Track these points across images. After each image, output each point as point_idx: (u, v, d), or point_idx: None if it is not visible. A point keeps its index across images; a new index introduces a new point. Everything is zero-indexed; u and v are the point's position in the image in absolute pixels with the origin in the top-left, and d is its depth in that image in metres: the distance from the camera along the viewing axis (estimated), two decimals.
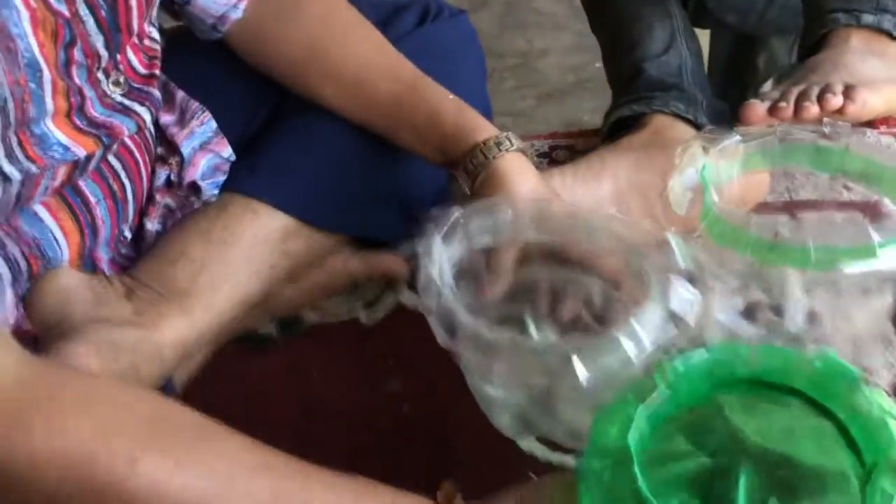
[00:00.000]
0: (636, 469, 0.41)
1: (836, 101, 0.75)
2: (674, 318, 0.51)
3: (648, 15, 0.99)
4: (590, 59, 2.41)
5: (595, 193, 0.73)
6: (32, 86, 0.53)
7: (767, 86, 0.96)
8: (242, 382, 0.68)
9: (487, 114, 0.87)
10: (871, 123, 0.82)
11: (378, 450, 0.62)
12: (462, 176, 0.67)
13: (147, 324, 0.60)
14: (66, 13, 0.54)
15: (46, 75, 0.54)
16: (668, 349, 0.50)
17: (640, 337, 0.50)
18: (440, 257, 0.56)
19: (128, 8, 0.60)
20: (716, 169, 0.60)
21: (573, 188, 0.73)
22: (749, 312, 0.63)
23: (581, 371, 0.50)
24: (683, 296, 0.52)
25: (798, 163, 0.64)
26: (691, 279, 0.54)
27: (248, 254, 0.66)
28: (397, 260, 0.75)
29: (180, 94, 0.70)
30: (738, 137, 0.62)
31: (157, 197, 0.69)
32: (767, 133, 0.63)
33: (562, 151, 0.92)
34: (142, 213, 0.69)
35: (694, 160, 0.60)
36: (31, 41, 0.52)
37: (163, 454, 0.43)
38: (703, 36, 1.51)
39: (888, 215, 0.63)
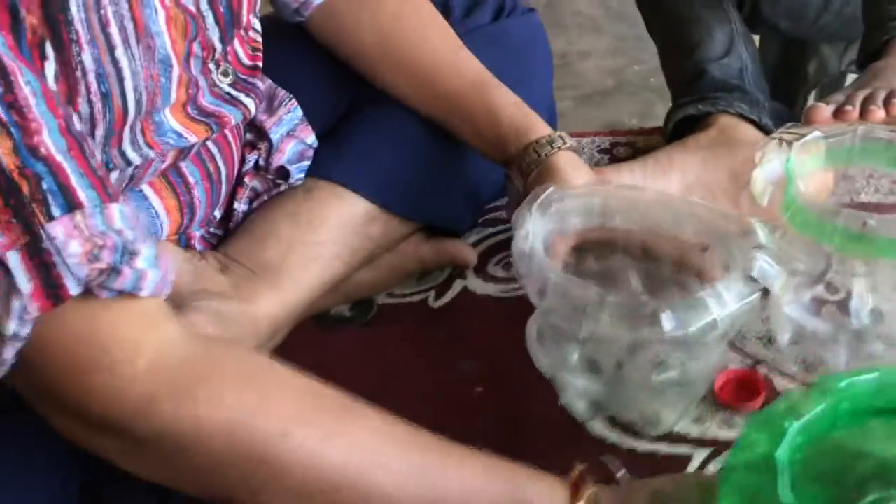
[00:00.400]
0: (783, 484, 0.40)
1: None
2: (757, 287, 0.54)
3: (708, 17, 1.01)
4: (628, 62, 2.43)
5: (664, 187, 0.76)
6: (163, 80, 0.56)
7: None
8: (320, 359, 0.70)
9: (552, 109, 0.90)
10: None
11: (451, 429, 0.65)
12: (516, 174, 0.70)
13: (244, 297, 0.63)
14: (193, 9, 0.57)
15: (175, 70, 0.57)
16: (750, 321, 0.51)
17: (725, 300, 0.53)
18: (534, 226, 0.58)
19: (240, 2, 0.62)
20: (799, 162, 0.62)
21: (642, 181, 0.76)
22: (815, 308, 0.65)
23: (668, 324, 0.52)
24: (767, 269, 0.55)
25: (877, 161, 0.66)
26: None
27: (333, 236, 0.69)
28: (465, 248, 0.78)
29: (268, 82, 0.73)
30: (820, 133, 0.64)
31: (246, 180, 0.72)
32: (848, 130, 0.65)
33: (623, 148, 0.94)
34: (231, 195, 0.71)
35: (778, 153, 0.62)
36: (165, 38, 0.55)
37: (312, 428, 0.46)
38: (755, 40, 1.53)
39: None
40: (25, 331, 0.43)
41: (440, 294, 0.78)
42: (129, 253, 0.45)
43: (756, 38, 1.48)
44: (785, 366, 0.66)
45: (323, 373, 0.69)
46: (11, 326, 0.43)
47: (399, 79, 0.75)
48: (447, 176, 0.79)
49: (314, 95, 0.76)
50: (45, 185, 0.43)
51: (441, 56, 0.74)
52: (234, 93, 0.65)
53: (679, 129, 0.86)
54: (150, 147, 0.58)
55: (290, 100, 0.73)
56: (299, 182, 0.72)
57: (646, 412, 0.62)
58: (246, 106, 0.66)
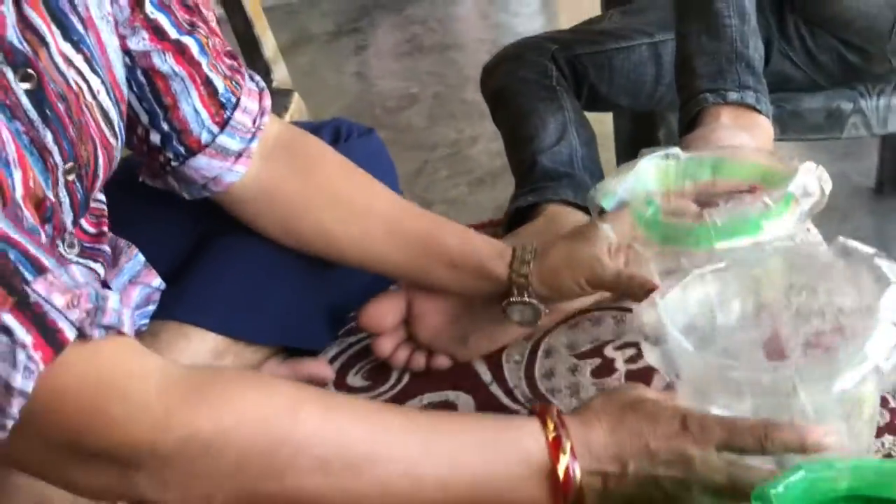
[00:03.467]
0: None
1: None
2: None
3: (542, 109, 1.08)
4: None
5: None
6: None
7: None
8: None
9: None
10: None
11: None
12: (518, 284, 0.73)
13: None
14: (52, 196, 0.59)
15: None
16: None
17: (869, 359, 0.52)
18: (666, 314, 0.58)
19: (95, 183, 0.65)
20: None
21: None
22: None
23: (807, 399, 0.52)
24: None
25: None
26: None
27: None
28: (321, 365, 0.81)
29: (108, 236, 0.76)
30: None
31: None
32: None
33: None
34: None
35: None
36: (27, 213, 0.56)
37: (316, 403, 0.53)
38: (608, 117, 1.63)
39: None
40: (30, 385, 0.46)
41: None
42: (101, 298, 0.49)
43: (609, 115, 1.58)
44: None
45: None
46: (18, 380, 0.46)
47: (355, 231, 0.77)
48: (302, 297, 0.82)
49: (157, 236, 0.78)
50: (12, 257, 0.47)
51: (394, 203, 0.78)
52: (81, 261, 0.67)
53: (516, 220, 0.91)
54: None
55: (129, 247, 0.76)
56: (143, 327, 0.74)
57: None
58: (95, 271, 0.69)
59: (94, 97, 0.63)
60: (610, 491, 0.55)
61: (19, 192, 0.53)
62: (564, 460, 0.54)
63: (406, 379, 0.81)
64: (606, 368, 0.77)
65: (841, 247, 0.61)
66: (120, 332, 0.50)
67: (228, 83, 0.73)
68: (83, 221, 0.69)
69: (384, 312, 0.79)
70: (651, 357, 0.57)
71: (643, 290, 0.69)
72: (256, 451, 0.50)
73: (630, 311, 0.83)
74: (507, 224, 0.92)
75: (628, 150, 1.55)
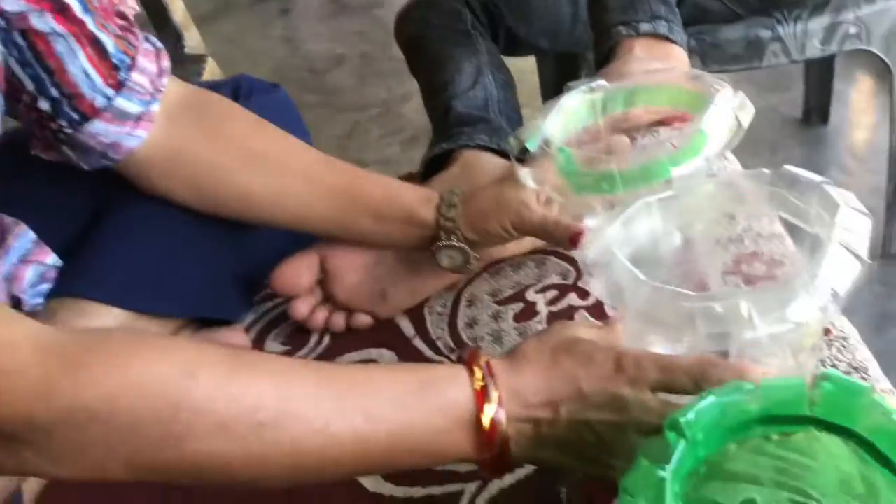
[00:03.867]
0: None
1: None
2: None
3: (457, 54, 1.05)
4: None
5: None
6: None
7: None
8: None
9: None
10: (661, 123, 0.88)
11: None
12: (446, 228, 0.71)
13: None
14: None
15: None
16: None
17: (824, 287, 0.49)
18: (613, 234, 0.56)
19: None
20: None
21: None
22: None
23: (762, 329, 0.49)
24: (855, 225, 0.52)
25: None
26: None
27: None
28: (235, 334, 0.78)
29: None
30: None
31: None
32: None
33: None
34: None
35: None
36: None
37: (217, 366, 0.48)
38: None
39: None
40: None
41: None
42: None
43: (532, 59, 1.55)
44: None
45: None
46: None
47: (274, 188, 0.73)
48: (211, 266, 0.78)
49: (51, 211, 0.74)
50: None
51: (312, 157, 0.75)
52: None
53: (434, 167, 0.88)
54: None
55: (17, 225, 0.71)
56: (39, 307, 0.70)
57: None
58: None
59: None
60: (542, 437, 0.52)
61: None
62: (490, 409, 0.51)
63: (326, 341, 0.78)
64: (528, 312, 0.76)
65: (787, 175, 0.59)
66: None
67: (120, 43, 0.68)
68: None
69: (297, 274, 0.76)
70: (596, 287, 0.54)
71: (568, 237, 0.68)
72: (150, 416, 0.46)
73: (550, 254, 0.82)
74: (422, 173, 0.89)
75: (554, 93, 1.52)
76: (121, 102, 0.69)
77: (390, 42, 2.82)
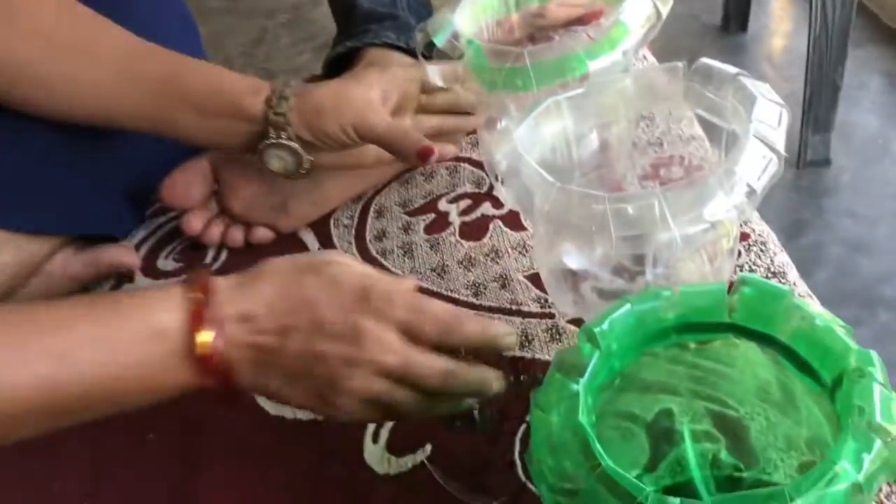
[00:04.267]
0: (598, 450, 0.37)
1: None
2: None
3: None
4: None
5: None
6: None
7: None
8: None
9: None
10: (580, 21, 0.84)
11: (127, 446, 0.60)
12: (275, 124, 0.63)
13: None
14: None
15: None
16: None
17: (741, 183, 0.47)
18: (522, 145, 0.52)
19: None
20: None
21: None
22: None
23: (676, 230, 0.46)
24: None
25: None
26: None
27: None
28: (123, 251, 0.72)
29: None
30: None
31: None
32: None
33: None
34: None
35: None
36: None
37: None
38: None
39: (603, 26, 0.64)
40: None
41: None
42: None
43: None
44: (459, 293, 0.65)
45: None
46: None
47: (84, 81, 0.65)
48: (91, 178, 0.71)
49: None
50: None
51: (130, 45, 0.66)
52: None
53: (336, 67, 0.82)
54: None
55: None
56: None
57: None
58: None
59: None
60: (269, 365, 0.46)
61: None
62: (205, 335, 0.45)
63: (224, 257, 0.73)
64: (441, 223, 0.72)
65: (703, 68, 0.55)
66: None
67: None
68: None
69: (188, 184, 0.70)
70: (504, 192, 0.51)
71: (416, 151, 0.63)
72: None
73: (464, 160, 0.77)
74: (325, 75, 0.82)
75: None
76: None
77: None
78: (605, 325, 0.43)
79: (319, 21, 2.27)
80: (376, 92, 0.64)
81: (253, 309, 0.46)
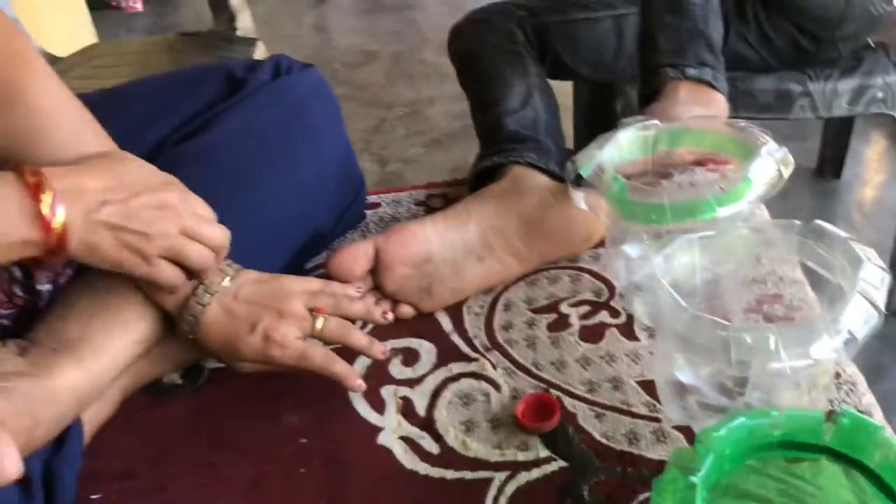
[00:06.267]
0: None
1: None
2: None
3: (509, 73, 1.11)
4: None
5: (463, 237, 0.84)
6: None
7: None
8: (152, 426, 0.75)
9: (348, 156, 0.96)
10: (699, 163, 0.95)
11: (276, 475, 0.70)
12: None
13: (39, 373, 0.65)
14: None
15: None
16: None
17: (844, 330, 0.56)
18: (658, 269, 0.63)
19: None
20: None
21: (444, 233, 0.83)
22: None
23: (782, 356, 0.55)
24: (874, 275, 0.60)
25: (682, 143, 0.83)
26: None
27: (132, 299, 0.71)
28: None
29: None
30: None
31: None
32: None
33: (437, 199, 1.02)
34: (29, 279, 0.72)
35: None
36: None
37: None
38: (568, 86, 1.66)
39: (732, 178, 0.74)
40: None
41: None
42: None
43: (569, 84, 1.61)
44: (575, 387, 0.75)
45: (155, 441, 0.73)
46: None
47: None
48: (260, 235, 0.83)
49: None
50: None
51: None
52: None
53: (481, 179, 0.94)
54: None
55: None
56: None
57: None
58: None
59: None
60: (93, 223, 0.62)
61: None
62: (47, 197, 0.60)
63: (370, 326, 0.84)
64: (561, 323, 0.82)
65: (816, 228, 0.65)
66: None
67: None
68: None
69: (354, 261, 0.82)
70: (638, 308, 0.61)
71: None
72: None
73: (585, 271, 0.88)
74: (471, 184, 0.95)
75: (587, 119, 1.59)
76: None
77: (422, 44, 2.90)
78: (721, 432, 0.52)
79: (433, 119, 2.44)
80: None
81: (79, 182, 0.63)
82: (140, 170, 0.67)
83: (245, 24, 1.67)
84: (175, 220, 0.66)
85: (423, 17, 3.16)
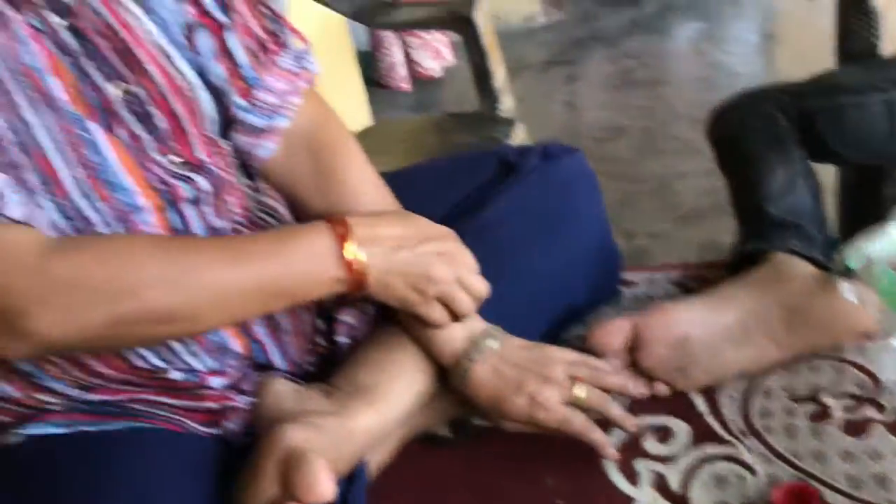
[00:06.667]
0: None
1: None
2: None
3: (772, 158, 1.12)
4: (723, 180, 2.52)
5: (721, 320, 0.86)
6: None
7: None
8: (424, 474, 0.83)
9: (607, 238, 1.02)
10: None
11: None
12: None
13: (342, 414, 0.75)
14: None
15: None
16: None
17: None
18: None
19: (168, 109, 0.74)
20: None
21: (703, 316, 0.86)
22: None
23: None
24: None
25: None
26: None
27: (415, 355, 0.81)
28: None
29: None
30: None
31: (338, 315, 0.85)
32: None
33: (693, 280, 1.04)
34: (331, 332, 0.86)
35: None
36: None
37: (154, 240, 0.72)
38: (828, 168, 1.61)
39: None
40: None
41: None
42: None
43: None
44: (836, 481, 0.74)
45: (426, 488, 0.81)
46: None
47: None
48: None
49: None
50: None
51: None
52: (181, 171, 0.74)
53: (740, 262, 0.95)
54: (104, 201, 0.70)
55: None
56: None
57: None
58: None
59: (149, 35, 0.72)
60: (392, 262, 0.75)
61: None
62: (350, 246, 0.73)
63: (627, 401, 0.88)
64: (823, 414, 0.81)
65: None
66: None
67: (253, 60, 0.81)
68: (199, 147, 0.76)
69: (613, 336, 0.86)
70: None
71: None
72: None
73: (849, 363, 0.86)
74: (730, 267, 0.96)
75: (852, 203, 1.53)
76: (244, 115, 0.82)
77: (673, 120, 2.90)
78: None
79: (682, 194, 2.42)
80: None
81: (377, 229, 0.75)
82: (424, 221, 0.79)
83: (507, 104, 1.79)
84: (452, 266, 0.77)
85: (674, 92, 3.16)
